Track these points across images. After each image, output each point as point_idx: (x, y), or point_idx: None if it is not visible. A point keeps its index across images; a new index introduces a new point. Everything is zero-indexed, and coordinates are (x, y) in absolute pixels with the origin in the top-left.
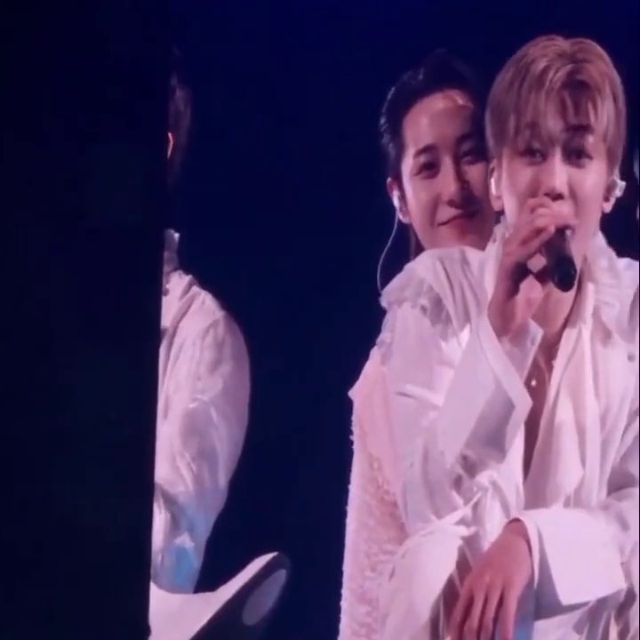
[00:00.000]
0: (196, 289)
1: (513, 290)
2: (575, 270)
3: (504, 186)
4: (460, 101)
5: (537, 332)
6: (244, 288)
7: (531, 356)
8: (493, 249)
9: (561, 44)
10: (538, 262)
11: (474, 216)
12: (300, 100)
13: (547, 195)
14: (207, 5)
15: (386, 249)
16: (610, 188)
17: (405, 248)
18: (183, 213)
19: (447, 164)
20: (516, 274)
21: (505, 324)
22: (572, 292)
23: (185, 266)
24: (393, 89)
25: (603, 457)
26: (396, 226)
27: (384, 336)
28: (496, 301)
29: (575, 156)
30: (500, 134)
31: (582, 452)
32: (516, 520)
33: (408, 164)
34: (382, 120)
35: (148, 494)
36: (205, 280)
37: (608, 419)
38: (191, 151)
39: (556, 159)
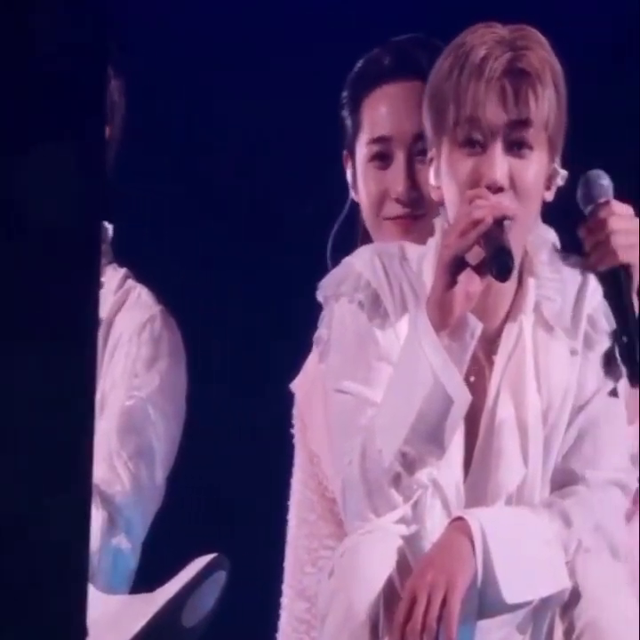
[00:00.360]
0: (131, 282)
1: (451, 283)
2: (513, 262)
3: (443, 177)
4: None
5: (476, 326)
6: (180, 281)
7: (470, 351)
8: (432, 242)
9: (500, 31)
10: (477, 255)
11: (419, 219)
12: (236, 90)
13: (487, 187)
14: None
15: (337, 225)
16: (551, 178)
17: (355, 224)
18: (117, 205)
19: (399, 160)
20: (454, 266)
21: (443, 318)
22: (512, 286)
23: (120, 258)
24: (360, 63)
25: (545, 454)
26: (348, 203)
27: (321, 332)
28: (434, 295)
29: (516, 146)
30: (439, 124)
31: (524, 449)
32: (459, 518)
33: (362, 148)
34: (344, 93)
35: (86, 494)
36: (141, 273)
37: (550, 415)
38: (126, 142)
39: (497, 150)
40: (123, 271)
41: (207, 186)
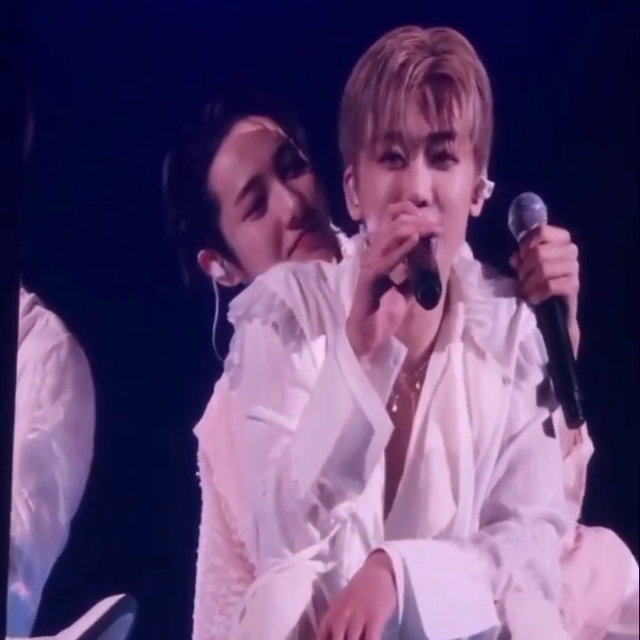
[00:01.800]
0: (39, 309)
1: (373, 304)
2: (440, 287)
3: (362, 193)
4: (266, 124)
5: (400, 351)
6: (90, 310)
7: (393, 377)
8: (350, 261)
9: (420, 34)
10: (400, 273)
11: (316, 229)
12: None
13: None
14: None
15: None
16: (478, 190)
17: None
18: (26, 230)
19: (276, 188)
20: (377, 287)
21: (365, 342)
22: (439, 311)
23: (28, 284)
24: (173, 157)
25: (476, 489)
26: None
27: (232, 356)
28: (355, 317)
29: (439, 159)
30: (356, 137)
31: (454, 485)
32: (380, 550)
33: (230, 219)
34: (172, 205)
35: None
36: (50, 300)
37: (482, 448)
38: (34, 165)
39: (419, 164)
40: (30, 297)
41: (120, 211)
